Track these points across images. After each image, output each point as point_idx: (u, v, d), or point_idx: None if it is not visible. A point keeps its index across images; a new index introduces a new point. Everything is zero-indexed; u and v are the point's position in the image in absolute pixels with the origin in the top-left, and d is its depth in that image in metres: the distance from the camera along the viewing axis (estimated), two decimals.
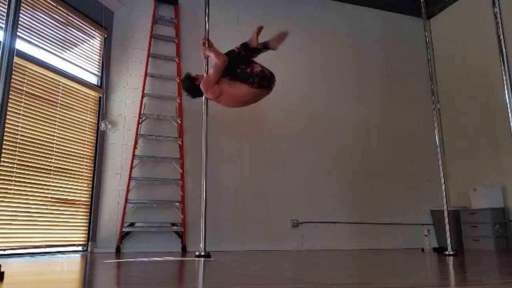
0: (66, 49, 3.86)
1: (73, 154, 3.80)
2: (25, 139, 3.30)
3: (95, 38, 4.26)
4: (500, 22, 2.68)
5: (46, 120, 3.53)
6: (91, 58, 4.18)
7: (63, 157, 3.68)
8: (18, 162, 3.21)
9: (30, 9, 3.46)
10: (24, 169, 3.26)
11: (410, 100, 5.58)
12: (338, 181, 4.96)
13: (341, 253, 3.86)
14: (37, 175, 3.38)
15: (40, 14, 3.57)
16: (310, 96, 5.13)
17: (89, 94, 4.08)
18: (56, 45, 3.74)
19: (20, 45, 3.29)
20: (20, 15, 2.42)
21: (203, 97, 3.45)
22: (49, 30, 3.66)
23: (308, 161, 4.89)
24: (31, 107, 3.37)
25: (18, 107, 3.24)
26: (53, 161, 3.56)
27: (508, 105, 2.54)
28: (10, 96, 3.04)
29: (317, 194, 4.84)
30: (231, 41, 4.85)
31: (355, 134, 5.21)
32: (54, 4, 3.72)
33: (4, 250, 3.08)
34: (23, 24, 3.36)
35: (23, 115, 3.28)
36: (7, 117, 2.90)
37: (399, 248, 4.85)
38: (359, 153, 5.15)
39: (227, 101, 3.39)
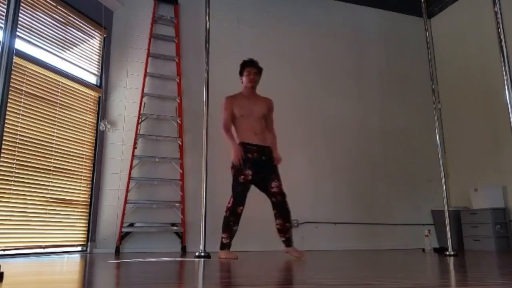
0: (66, 49, 3.85)
1: (72, 154, 3.79)
2: (25, 139, 3.29)
3: (95, 38, 4.26)
4: (501, 21, 2.68)
5: (45, 120, 3.52)
6: (91, 58, 4.17)
7: (62, 157, 3.67)
8: (18, 162, 3.20)
9: (30, 8, 3.45)
10: (23, 169, 3.25)
11: (411, 99, 5.57)
12: (338, 181, 4.95)
13: (342, 253, 3.85)
14: (36, 175, 3.37)
15: (39, 14, 3.56)
16: (310, 96, 5.12)
17: (88, 94, 4.07)
18: (56, 45, 3.73)
19: (19, 45, 3.28)
20: (20, 14, 2.41)
21: (204, 97, 3.42)
22: (48, 30, 3.65)
23: (308, 161, 4.88)
24: (30, 107, 3.36)
25: (17, 107, 3.23)
26: (52, 161, 3.55)
27: (509, 105, 2.53)
28: (10, 96, 3.04)
29: (317, 194, 4.83)
30: (231, 40, 4.87)
31: (356, 134, 5.20)
32: (54, 4, 3.72)
33: (4, 250, 3.08)
34: (22, 24, 3.36)
35: (22, 115, 3.27)
36: (7, 117, 2.89)
37: (399, 248, 4.84)
38: (359, 153, 5.14)
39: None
